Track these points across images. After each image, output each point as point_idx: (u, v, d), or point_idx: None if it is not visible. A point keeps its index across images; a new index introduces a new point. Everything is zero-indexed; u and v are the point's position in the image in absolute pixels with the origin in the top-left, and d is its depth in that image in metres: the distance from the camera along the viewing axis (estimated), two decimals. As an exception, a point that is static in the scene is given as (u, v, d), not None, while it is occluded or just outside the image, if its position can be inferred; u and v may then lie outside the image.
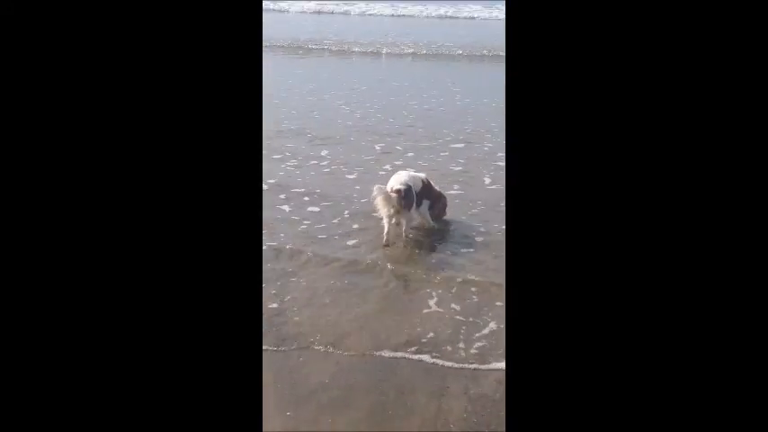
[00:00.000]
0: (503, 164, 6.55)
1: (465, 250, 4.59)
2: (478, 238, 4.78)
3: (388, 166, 6.56)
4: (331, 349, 3.23)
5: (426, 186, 4.90)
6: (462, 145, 7.50)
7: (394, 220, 4.64)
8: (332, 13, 25.66)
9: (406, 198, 4.58)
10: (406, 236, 4.77)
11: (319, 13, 25.73)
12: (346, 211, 5.23)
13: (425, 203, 4.90)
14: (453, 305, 3.70)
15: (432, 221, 5.03)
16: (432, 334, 3.37)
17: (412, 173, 4.94)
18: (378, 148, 7.37)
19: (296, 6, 26.17)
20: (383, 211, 4.56)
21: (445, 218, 5.12)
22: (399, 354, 3.19)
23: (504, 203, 5.20)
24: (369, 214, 5.14)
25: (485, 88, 11.42)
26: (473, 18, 23.70)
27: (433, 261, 4.40)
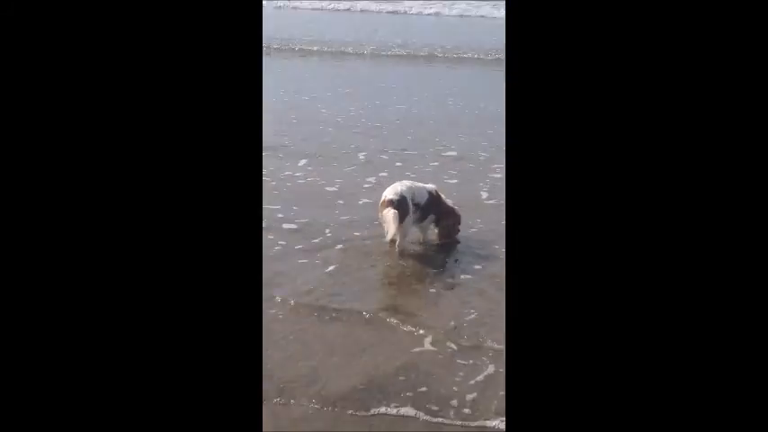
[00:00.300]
0: (500, 176, 6.41)
1: (463, 277, 4.36)
2: (477, 265, 4.54)
3: (372, 179, 6.34)
4: (315, 405, 2.93)
5: (434, 199, 4.68)
6: (455, 153, 7.36)
7: (389, 235, 4.50)
8: (313, 9, 25.56)
9: (399, 209, 4.39)
10: (400, 252, 4.62)
11: (297, 9, 25.62)
12: (327, 230, 5.03)
13: (430, 218, 4.70)
14: (449, 344, 3.47)
15: (437, 240, 4.76)
16: (424, 388, 3.09)
17: (416, 183, 4.72)
18: (361, 157, 7.19)
19: (274, 2, 26.02)
20: (390, 230, 4.40)
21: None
22: (383, 409, 2.92)
23: (504, 222, 5.17)
24: (351, 233, 4.90)
25: (480, 92, 11.35)
26: (466, 16, 23.76)
27: (431, 290, 4.19)
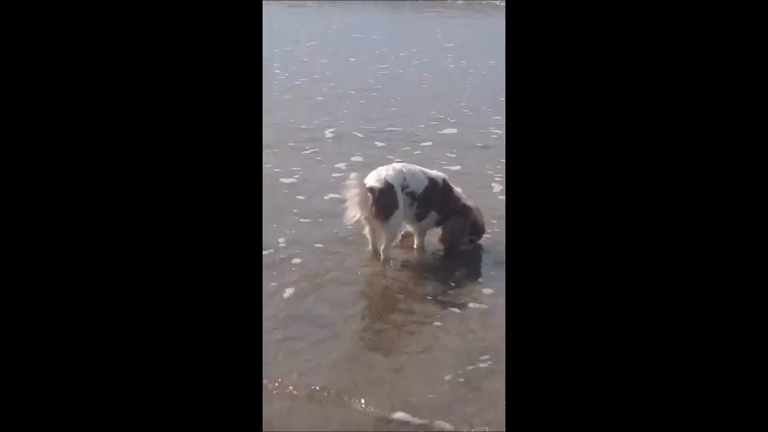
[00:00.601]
0: None
1: (474, 305, 4.09)
2: (487, 288, 4.28)
3: (342, 165, 6.17)
4: None
5: (438, 190, 4.58)
6: (455, 131, 7.29)
7: (366, 231, 4.45)
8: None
9: (382, 201, 4.30)
10: (385, 265, 4.39)
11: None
12: (281, 238, 4.79)
13: (432, 217, 4.61)
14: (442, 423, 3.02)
15: (443, 247, 4.59)
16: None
17: (411, 165, 4.64)
18: (328, 134, 7.06)
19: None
20: (352, 213, 4.34)
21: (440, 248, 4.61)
22: None
23: None
24: (313, 242, 4.63)
25: (489, 46, 11.32)
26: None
27: (432, 324, 3.84)
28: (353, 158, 6.36)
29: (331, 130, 7.20)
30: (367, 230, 4.45)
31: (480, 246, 4.79)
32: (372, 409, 3.11)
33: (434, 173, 4.66)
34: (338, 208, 4.95)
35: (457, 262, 4.60)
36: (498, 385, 3.18)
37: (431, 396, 3.18)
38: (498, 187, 5.81)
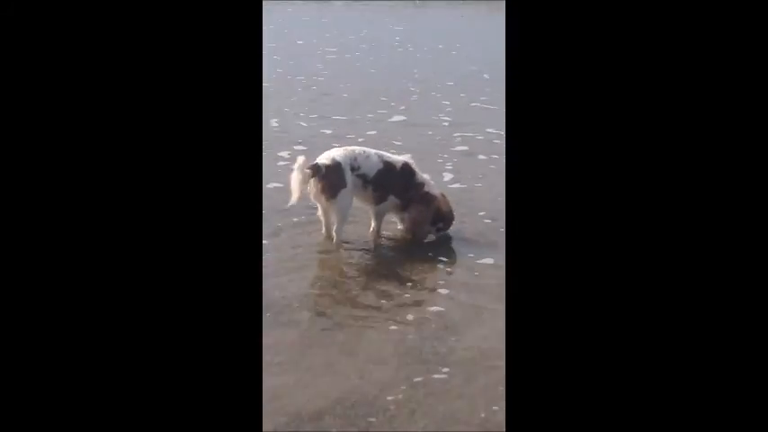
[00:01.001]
0: (466, 149, 6.29)
1: (433, 308, 3.88)
2: (444, 291, 4.11)
3: (285, 153, 6.05)
4: None
5: (396, 175, 4.50)
6: (404, 118, 7.18)
7: (319, 212, 4.44)
8: None
9: (328, 178, 4.25)
10: (337, 245, 4.32)
11: None
12: None
13: (391, 201, 4.53)
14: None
15: (408, 237, 4.51)
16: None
17: (368, 149, 4.62)
18: (273, 123, 6.87)
19: None
20: (295, 193, 4.32)
21: (387, 237, 4.50)
22: None
23: (479, 211, 4.99)
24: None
25: (435, 31, 11.37)
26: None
27: (386, 328, 3.61)
28: (296, 147, 6.20)
29: (275, 119, 7.03)
30: (320, 212, 4.37)
31: (445, 237, 4.67)
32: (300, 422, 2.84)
33: (394, 157, 4.58)
34: (282, 198, 4.81)
35: (414, 255, 4.45)
36: (452, 404, 2.99)
37: (371, 420, 2.93)
38: (449, 176, 5.72)
